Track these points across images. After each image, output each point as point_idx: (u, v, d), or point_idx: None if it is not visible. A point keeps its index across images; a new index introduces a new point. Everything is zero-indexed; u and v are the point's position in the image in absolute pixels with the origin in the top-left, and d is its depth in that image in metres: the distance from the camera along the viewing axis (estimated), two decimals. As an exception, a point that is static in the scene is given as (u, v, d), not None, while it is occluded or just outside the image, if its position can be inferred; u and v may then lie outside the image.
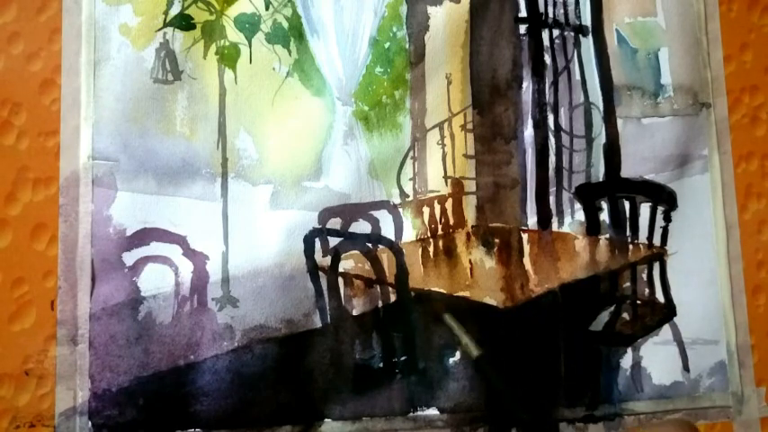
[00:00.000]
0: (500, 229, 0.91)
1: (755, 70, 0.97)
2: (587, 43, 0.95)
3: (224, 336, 0.83)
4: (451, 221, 0.91)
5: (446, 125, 0.92)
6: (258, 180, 0.86)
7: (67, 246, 0.82)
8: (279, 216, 0.86)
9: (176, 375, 0.82)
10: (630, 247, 0.93)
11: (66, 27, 0.84)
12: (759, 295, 0.94)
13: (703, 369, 0.91)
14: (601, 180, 0.94)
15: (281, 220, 0.86)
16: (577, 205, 0.93)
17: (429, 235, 0.90)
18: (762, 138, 0.97)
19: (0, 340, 0.80)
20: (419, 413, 0.86)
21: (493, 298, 0.86)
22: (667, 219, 0.93)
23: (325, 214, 0.87)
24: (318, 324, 0.85)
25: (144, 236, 0.83)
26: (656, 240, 0.93)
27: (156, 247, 0.83)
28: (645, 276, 0.93)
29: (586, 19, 0.95)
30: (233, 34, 0.88)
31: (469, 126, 0.92)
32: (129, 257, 0.83)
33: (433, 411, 0.86)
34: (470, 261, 0.90)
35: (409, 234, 0.89)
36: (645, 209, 0.93)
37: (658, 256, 0.93)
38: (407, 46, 0.91)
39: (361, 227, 0.88)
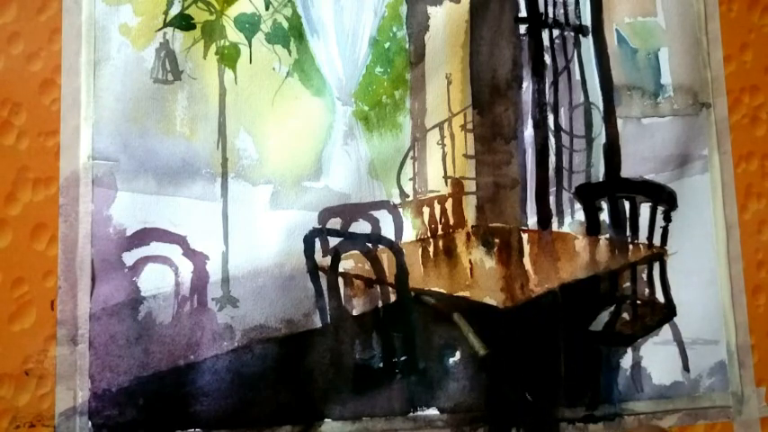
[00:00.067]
0: (500, 229, 0.91)
1: (755, 70, 0.97)
2: (587, 43, 0.95)
3: (224, 336, 0.83)
4: (451, 221, 0.91)
5: (446, 125, 0.92)
6: (258, 180, 0.86)
7: (67, 246, 0.82)
8: (279, 216, 0.86)
9: (176, 375, 0.82)
10: (630, 247, 0.93)
11: (66, 27, 0.84)
12: (759, 295, 0.94)
13: (703, 369, 0.91)
14: (601, 180, 0.94)
15: (281, 220, 0.86)
16: (577, 205, 0.93)
17: (429, 235, 0.90)
18: (762, 138, 0.97)
19: (0, 340, 0.80)
20: (419, 413, 0.86)
21: (493, 298, 0.86)
22: (667, 219, 0.93)
23: (325, 214, 0.87)
24: (318, 324, 0.85)
25: (144, 236, 0.83)
26: (656, 240, 0.93)
27: (156, 247, 0.83)
28: (645, 276, 0.93)
29: (586, 19, 0.95)
30: (233, 34, 0.88)
31: (469, 126, 0.92)
32: (129, 257, 0.83)
33: (433, 411, 0.86)
34: (470, 261, 0.90)
35: (409, 234, 0.89)
36: (645, 209, 0.93)
37: (658, 256, 0.93)
38: (407, 46, 0.91)
39: (361, 227, 0.88)
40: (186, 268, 0.84)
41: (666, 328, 0.91)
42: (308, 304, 0.85)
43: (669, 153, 0.94)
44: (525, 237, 0.91)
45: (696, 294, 0.92)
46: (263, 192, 0.86)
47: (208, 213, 0.85)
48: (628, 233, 0.93)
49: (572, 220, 0.93)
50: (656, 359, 0.90)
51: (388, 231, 0.88)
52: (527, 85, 0.93)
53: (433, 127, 0.91)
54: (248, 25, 0.88)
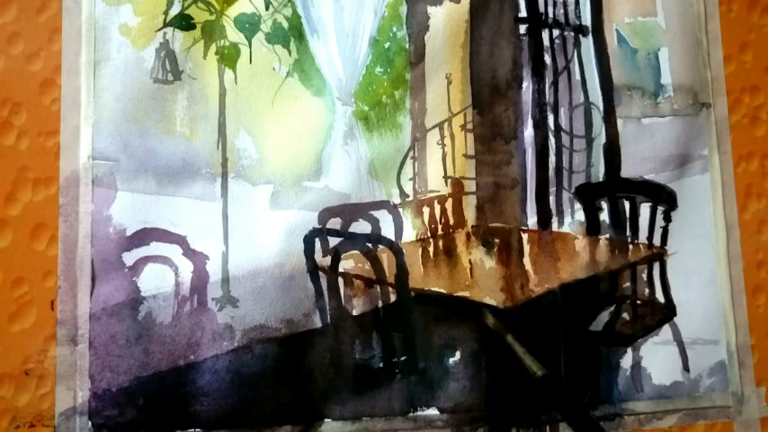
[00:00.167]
0: (500, 229, 0.91)
1: (755, 70, 0.97)
2: (587, 43, 0.95)
3: (224, 336, 0.83)
4: (451, 221, 0.91)
5: (446, 125, 0.92)
6: (258, 180, 0.86)
7: (67, 246, 0.82)
8: (279, 216, 0.86)
9: (176, 375, 0.82)
10: (630, 247, 0.93)
11: (66, 27, 0.84)
12: (759, 295, 0.94)
13: (703, 369, 0.91)
14: (601, 180, 0.94)
15: (281, 220, 0.86)
16: (577, 205, 0.93)
17: (429, 235, 0.90)
18: (762, 138, 0.97)
19: (0, 340, 0.80)
20: (419, 413, 0.86)
21: (493, 298, 0.86)
22: (667, 219, 0.93)
23: (325, 214, 0.87)
24: (318, 324, 0.85)
25: (144, 236, 0.83)
26: (656, 240, 0.93)
27: (156, 247, 0.83)
28: (645, 276, 0.93)
29: (586, 19, 0.95)
30: (233, 34, 0.88)
31: (469, 126, 0.92)
32: (129, 257, 0.83)
33: (433, 411, 0.86)
34: (470, 261, 0.90)
35: (409, 234, 0.89)
36: (645, 209, 0.93)
37: (658, 256, 0.93)
38: (407, 46, 0.91)
39: (361, 227, 0.88)
40: (186, 268, 0.84)
41: (666, 328, 0.91)
42: (308, 304, 0.85)
43: (669, 153, 0.94)
44: (525, 237, 0.91)
45: (696, 294, 0.92)
46: (263, 192, 0.86)
47: (208, 213, 0.85)
48: (628, 233, 0.93)
49: (572, 220, 0.93)
50: (656, 359, 0.90)
51: (388, 231, 0.88)
52: (527, 85, 0.93)
53: (433, 127, 0.91)
54: (248, 25, 0.88)
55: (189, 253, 0.84)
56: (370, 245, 0.87)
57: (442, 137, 0.91)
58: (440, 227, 0.91)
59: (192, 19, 0.87)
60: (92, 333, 0.81)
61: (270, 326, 0.84)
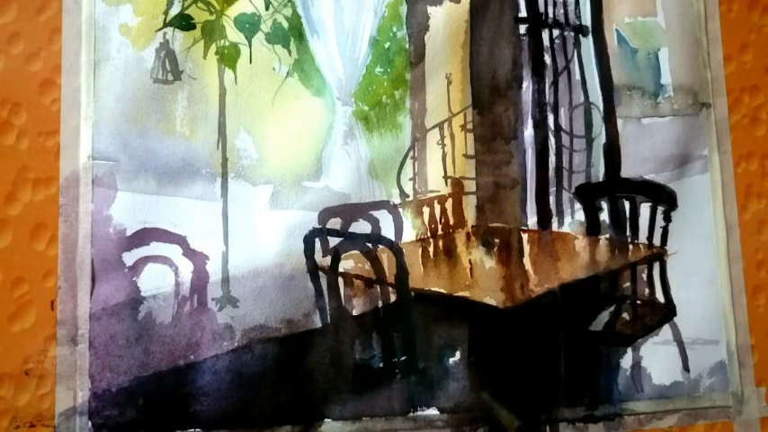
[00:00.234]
0: (500, 229, 0.91)
1: (755, 70, 0.97)
2: (587, 43, 0.95)
3: (224, 336, 0.83)
4: (451, 221, 0.91)
5: (446, 125, 0.92)
6: (258, 180, 0.86)
7: (67, 246, 0.82)
8: (279, 216, 0.86)
9: (176, 375, 0.82)
10: (630, 247, 0.93)
11: (66, 27, 0.84)
12: (759, 295, 0.94)
13: (703, 369, 0.91)
14: (601, 180, 0.94)
15: (281, 220, 0.86)
16: (577, 205, 0.93)
17: (429, 235, 0.90)
18: (762, 138, 0.97)
19: (0, 340, 0.80)
20: (419, 413, 0.86)
21: (493, 298, 0.86)
22: (667, 219, 0.93)
23: (325, 214, 0.87)
24: (318, 324, 0.85)
25: (144, 236, 0.83)
26: (656, 240, 0.93)
27: (156, 247, 0.83)
28: (645, 276, 0.93)
29: (586, 19, 0.95)
30: (233, 34, 0.88)
31: (469, 126, 0.92)
32: (129, 257, 0.83)
33: (433, 411, 0.86)
34: (470, 261, 0.90)
35: (409, 234, 0.89)
36: (645, 209, 0.93)
37: (658, 256, 0.93)
38: (407, 46, 0.91)
39: (361, 227, 0.88)
40: (186, 268, 0.84)
41: (666, 328, 0.91)
42: (308, 304, 0.85)
43: (669, 153, 0.94)
44: (525, 237, 0.91)
45: (696, 294, 0.92)
46: (263, 192, 0.86)
47: (208, 213, 0.85)
48: (628, 233, 0.93)
49: (572, 220, 0.93)
50: (656, 359, 0.90)
51: (388, 231, 0.88)
52: (527, 85, 0.93)
53: (433, 127, 0.91)
54: (248, 25, 0.88)
55: (189, 253, 0.84)
56: (370, 245, 0.87)
57: (442, 137, 0.91)
58: (440, 227, 0.91)
59: (192, 19, 0.87)
60: (92, 333, 0.81)
61: (270, 326, 0.84)
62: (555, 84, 0.94)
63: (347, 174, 0.88)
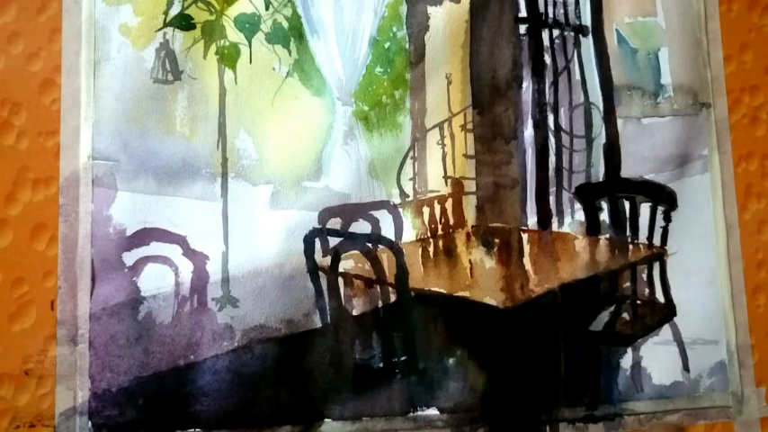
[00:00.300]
0: (500, 229, 0.91)
1: (755, 70, 0.97)
2: (587, 43, 0.95)
3: (224, 336, 0.83)
4: (451, 221, 0.91)
5: (446, 125, 0.92)
6: (258, 180, 0.86)
7: (67, 246, 0.82)
8: (279, 216, 0.86)
9: (176, 375, 0.82)
10: (630, 247, 0.93)
11: (66, 27, 0.84)
12: (759, 295, 0.94)
13: (703, 369, 0.91)
14: (601, 180, 0.94)
15: (281, 220, 0.86)
16: (577, 205, 0.93)
17: (429, 235, 0.90)
18: (762, 138, 0.97)
19: (0, 340, 0.80)
20: (419, 413, 0.86)
21: (493, 298, 0.86)
22: (667, 219, 0.93)
23: (325, 214, 0.87)
24: (318, 324, 0.85)
25: (144, 236, 0.83)
26: (656, 240, 0.93)
27: (156, 247, 0.83)
28: (645, 276, 0.93)
29: (586, 19, 0.95)
30: (233, 34, 0.88)
31: (469, 126, 0.92)
32: (129, 257, 0.83)
33: (433, 411, 0.86)
34: (470, 261, 0.90)
35: (409, 234, 0.89)
36: (645, 209, 0.93)
37: (658, 256, 0.93)
38: (407, 46, 0.91)
39: (361, 227, 0.88)
40: (186, 268, 0.84)
41: (666, 328, 0.91)
42: (308, 304, 0.85)
43: (669, 153, 0.94)
44: (525, 237, 0.91)
45: (696, 294, 0.92)
46: (263, 192, 0.86)
47: (208, 213, 0.85)
48: (628, 233, 0.93)
49: (572, 220, 0.93)
50: (656, 359, 0.90)
51: (388, 231, 0.88)
52: (527, 85, 0.93)
53: (433, 127, 0.91)
54: (248, 25, 0.88)
55: (189, 253, 0.84)
56: (370, 245, 0.87)
57: (442, 137, 0.91)
58: (440, 227, 0.91)
59: (192, 19, 0.87)
60: (92, 333, 0.81)
61: (270, 326, 0.84)
62: (555, 84, 0.94)
63: (347, 174, 0.88)
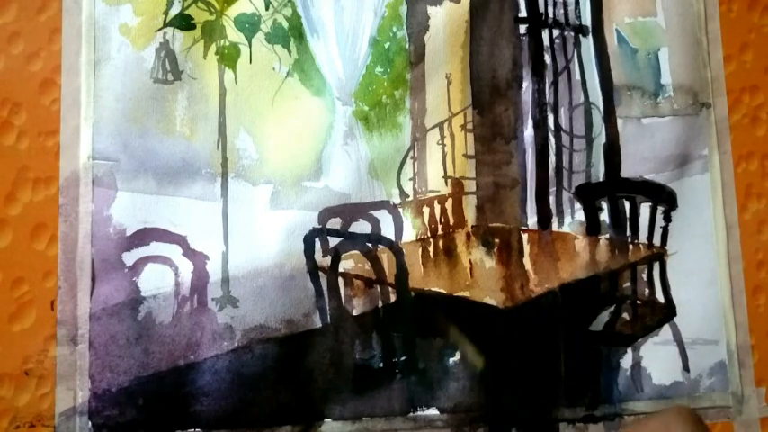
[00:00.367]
0: (500, 229, 0.91)
1: (755, 70, 0.97)
2: (587, 43, 0.95)
3: (224, 336, 0.83)
4: (451, 221, 0.91)
5: (446, 125, 0.92)
6: (258, 180, 0.86)
7: (67, 246, 0.82)
8: (279, 216, 0.86)
9: (176, 375, 0.82)
10: (630, 247, 0.93)
11: (66, 27, 0.84)
12: (759, 295, 0.94)
13: (703, 369, 0.91)
14: (601, 180, 0.94)
15: (281, 220, 0.86)
16: (577, 205, 0.93)
17: (429, 235, 0.90)
18: (762, 138, 0.97)
19: (0, 340, 0.80)
20: (419, 413, 0.86)
21: (493, 298, 0.86)
22: (667, 219, 0.93)
23: (325, 214, 0.87)
24: (318, 324, 0.85)
25: (144, 236, 0.83)
26: (656, 240, 0.93)
27: (156, 247, 0.83)
28: (645, 276, 0.93)
29: (586, 19, 0.95)
30: (233, 34, 0.88)
31: (469, 126, 0.92)
32: (129, 257, 0.83)
33: (433, 411, 0.86)
34: (470, 261, 0.90)
35: (409, 234, 0.89)
36: (645, 209, 0.93)
37: (658, 256, 0.93)
38: (407, 46, 0.91)
39: (361, 227, 0.88)
40: (186, 268, 0.84)
41: (666, 328, 0.91)
42: (308, 304, 0.85)
43: (669, 153, 0.94)
44: (525, 237, 0.91)
45: (696, 294, 0.92)
46: (263, 192, 0.86)
47: (208, 213, 0.85)
48: (628, 233, 0.93)
49: (572, 220, 0.93)
50: (656, 359, 0.90)
51: (388, 231, 0.88)
52: (527, 85, 0.93)
53: (433, 127, 0.91)
54: (248, 25, 0.88)
55: (189, 253, 0.84)
56: (370, 245, 0.87)
57: (442, 137, 0.91)
58: (440, 227, 0.91)
59: (192, 19, 0.87)
60: (92, 333, 0.81)
61: (270, 326, 0.84)
62: (555, 84, 0.94)
63: (347, 174, 0.88)
